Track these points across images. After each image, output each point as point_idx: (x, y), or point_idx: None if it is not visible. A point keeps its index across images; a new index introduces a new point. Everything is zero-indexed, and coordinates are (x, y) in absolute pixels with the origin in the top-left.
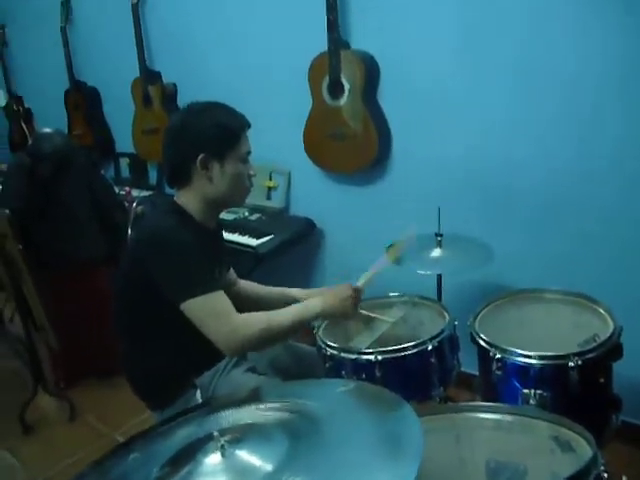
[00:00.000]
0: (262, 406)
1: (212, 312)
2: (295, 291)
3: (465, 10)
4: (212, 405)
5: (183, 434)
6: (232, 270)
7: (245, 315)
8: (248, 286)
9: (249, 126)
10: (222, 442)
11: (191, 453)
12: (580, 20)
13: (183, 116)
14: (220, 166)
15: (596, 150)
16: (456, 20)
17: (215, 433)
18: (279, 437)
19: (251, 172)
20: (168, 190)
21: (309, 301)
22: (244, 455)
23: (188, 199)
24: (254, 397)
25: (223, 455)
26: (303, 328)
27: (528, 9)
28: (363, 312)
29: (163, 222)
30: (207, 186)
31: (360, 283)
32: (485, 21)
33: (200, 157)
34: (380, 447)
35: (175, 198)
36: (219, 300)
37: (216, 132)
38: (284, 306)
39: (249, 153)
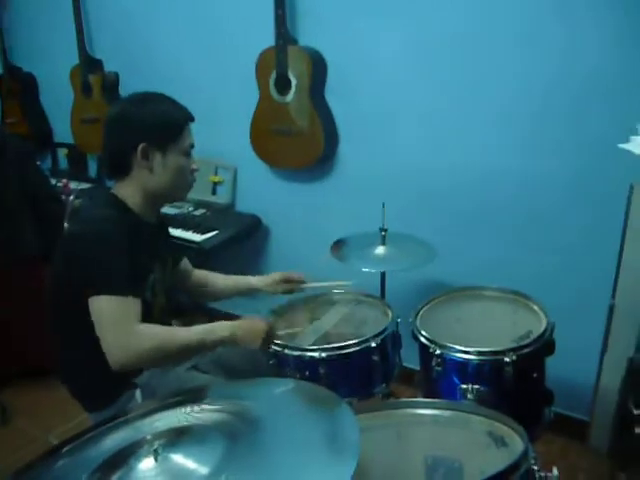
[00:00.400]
0: (199, 408)
1: (109, 317)
2: (251, 279)
3: (418, 12)
4: (147, 408)
5: (116, 438)
6: (187, 261)
7: (144, 329)
8: (204, 276)
9: (192, 120)
10: (155, 446)
11: (123, 458)
12: (554, 30)
13: (124, 105)
14: (162, 157)
15: (537, 153)
16: (408, 21)
17: (148, 437)
18: (215, 439)
19: (194, 166)
20: (108, 183)
21: (218, 325)
22: (179, 459)
23: (127, 191)
24: (191, 399)
25: (156, 459)
26: (205, 351)
27: (480, 14)
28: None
29: (96, 214)
30: (147, 177)
31: (277, 330)
32: (438, 25)
33: (141, 146)
34: (318, 447)
35: (113, 190)
36: (125, 306)
37: (159, 122)
38: (242, 294)
39: (192, 147)
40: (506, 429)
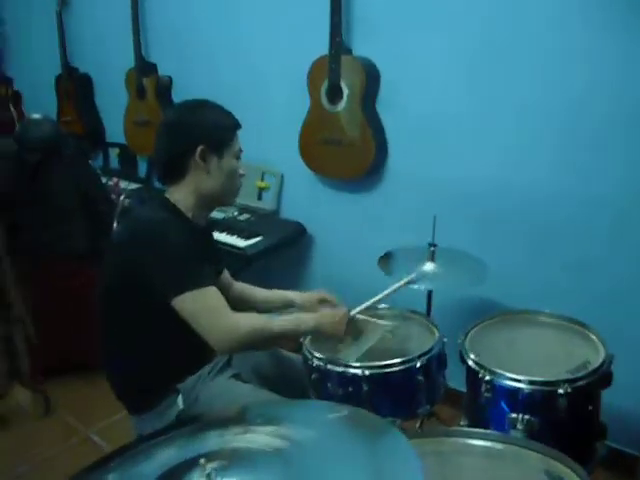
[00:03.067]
0: (250, 428)
1: (205, 307)
2: (292, 294)
3: (473, 31)
4: (196, 424)
5: (165, 456)
6: (227, 273)
7: (239, 314)
8: (245, 289)
9: (240, 126)
10: (209, 470)
11: (174, 479)
12: (589, 48)
13: (181, 110)
14: (218, 160)
15: (596, 176)
16: (463, 40)
17: (201, 460)
18: (270, 466)
19: (241, 171)
20: (157, 184)
21: (304, 316)
22: None
23: (180, 195)
24: (241, 417)
25: None
26: (290, 338)
27: (536, 37)
28: (361, 317)
29: (154, 216)
30: (203, 179)
31: (355, 311)
32: (496, 38)
33: (200, 149)
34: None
35: (166, 194)
36: (212, 296)
37: (215, 125)
38: (280, 309)
39: (241, 151)
40: (564, 469)
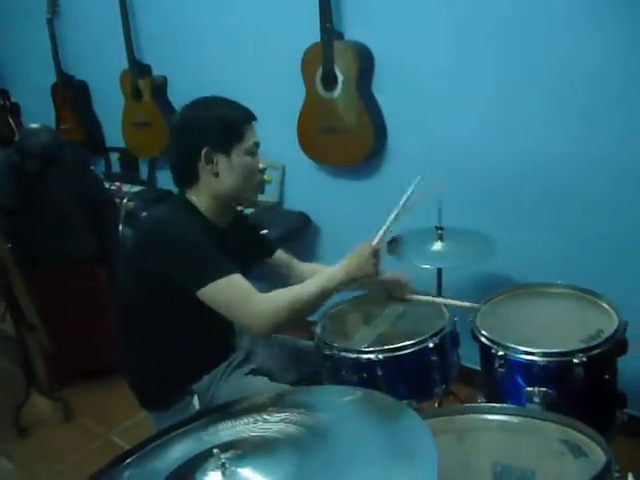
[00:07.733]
0: (264, 417)
1: (236, 294)
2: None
3: (463, 6)
4: (210, 416)
5: (180, 449)
6: (282, 253)
7: (268, 294)
8: (316, 268)
9: (254, 119)
10: (223, 459)
11: (189, 471)
12: (579, 12)
13: (184, 112)
14: (227, 159)
15: (600, 140)
16: (454, 11)
17: (215, 450)
18: (285, 453)
19: (260, 165)
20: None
21: (331, 270)
22: (248, 473)
23: (198, 197)
24: (255, 407)
25: (224, 474)
26: (328, 298)
27: (527, 4)
28: (417, 297)
29: (165, 214)
30: (214, 182)
31: (375, 241)
32: (484, 14)
33: (204, 151)
34: (392, 462)
35: (187, 196)
36: (239, 282)
37: (219, 124)
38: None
39: (257, 146)
40: (583, 437)
